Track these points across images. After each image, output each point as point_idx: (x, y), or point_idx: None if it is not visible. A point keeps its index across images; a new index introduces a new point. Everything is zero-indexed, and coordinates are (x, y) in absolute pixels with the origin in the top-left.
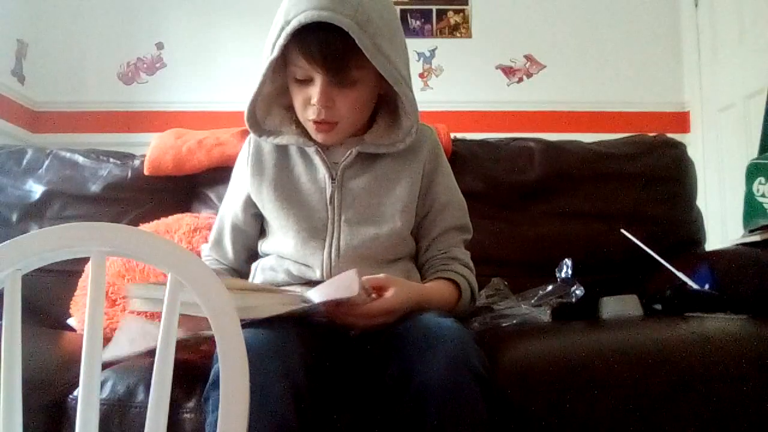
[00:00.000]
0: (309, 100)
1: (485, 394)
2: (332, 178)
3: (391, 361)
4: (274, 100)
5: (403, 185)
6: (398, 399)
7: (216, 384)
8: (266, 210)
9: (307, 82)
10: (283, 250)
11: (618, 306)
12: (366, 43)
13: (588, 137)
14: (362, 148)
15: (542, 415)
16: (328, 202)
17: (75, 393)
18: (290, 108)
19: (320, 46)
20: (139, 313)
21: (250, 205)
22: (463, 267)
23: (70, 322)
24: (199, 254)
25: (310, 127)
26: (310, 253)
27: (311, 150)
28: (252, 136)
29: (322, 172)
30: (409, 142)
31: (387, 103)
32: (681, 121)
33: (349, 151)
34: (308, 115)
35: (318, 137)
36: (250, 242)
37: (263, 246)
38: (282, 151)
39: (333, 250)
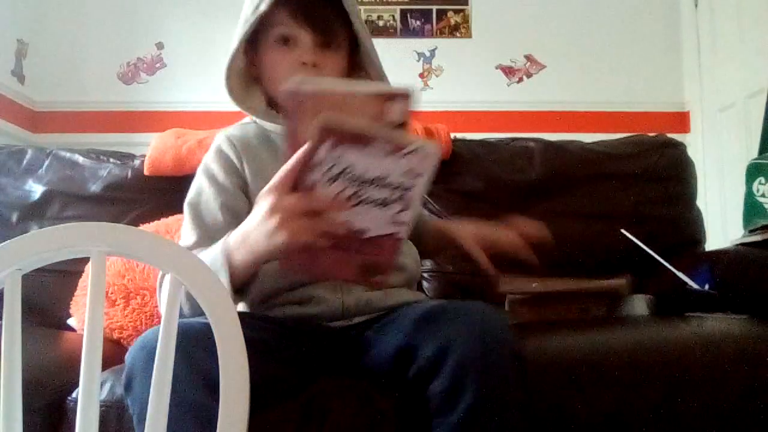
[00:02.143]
0: (295, 62)
1: (520, 374)
2: None
3: (423, 343)
4: (250, 81)
5: None
6: (432, 379)
7: (128, 387)
8: None
9: (291, 44)
10: None
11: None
12: (349, 4)
13: (588, 137)
14: None
15: (542, 414)
16: None
17: (74, 394)
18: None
19: (307, 3)
20: None
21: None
22: None
23: (70, 322)
24: None
25: None
26: None
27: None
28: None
29: None
30: None
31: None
32: (681, 121)
33: None
34: None
35: None
36: None
37: None
38: (269, 145)
39: None
